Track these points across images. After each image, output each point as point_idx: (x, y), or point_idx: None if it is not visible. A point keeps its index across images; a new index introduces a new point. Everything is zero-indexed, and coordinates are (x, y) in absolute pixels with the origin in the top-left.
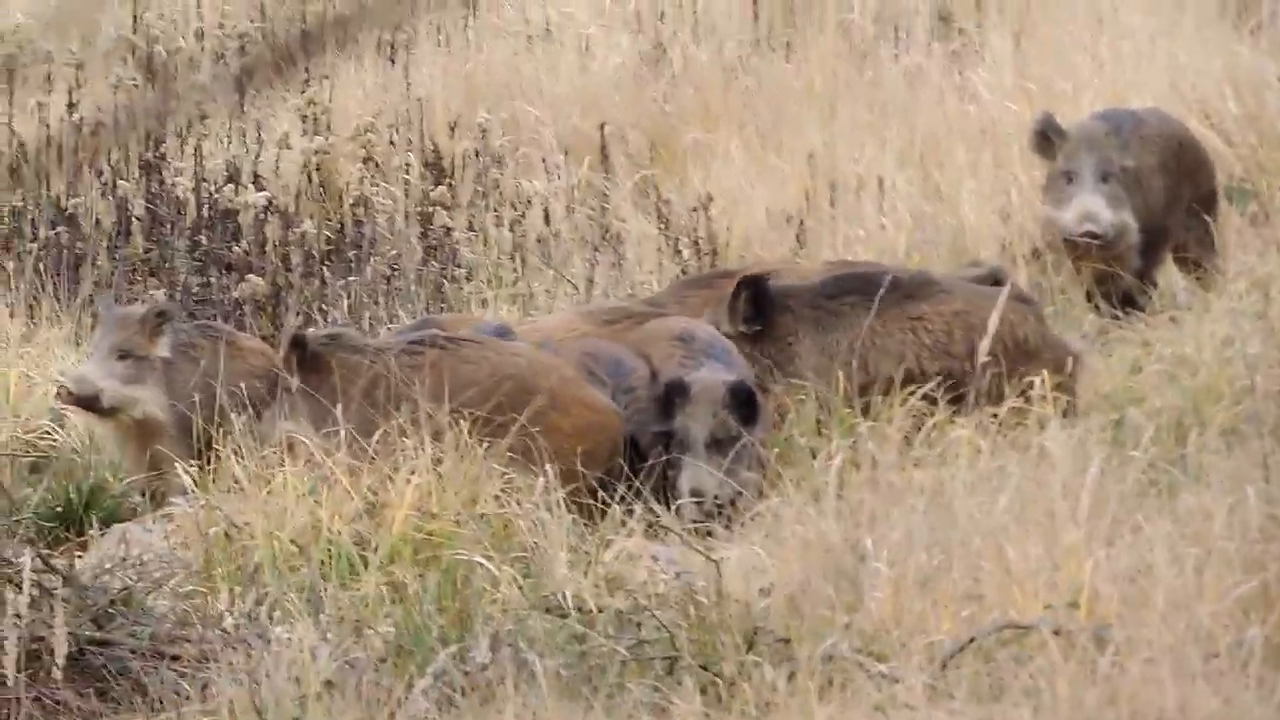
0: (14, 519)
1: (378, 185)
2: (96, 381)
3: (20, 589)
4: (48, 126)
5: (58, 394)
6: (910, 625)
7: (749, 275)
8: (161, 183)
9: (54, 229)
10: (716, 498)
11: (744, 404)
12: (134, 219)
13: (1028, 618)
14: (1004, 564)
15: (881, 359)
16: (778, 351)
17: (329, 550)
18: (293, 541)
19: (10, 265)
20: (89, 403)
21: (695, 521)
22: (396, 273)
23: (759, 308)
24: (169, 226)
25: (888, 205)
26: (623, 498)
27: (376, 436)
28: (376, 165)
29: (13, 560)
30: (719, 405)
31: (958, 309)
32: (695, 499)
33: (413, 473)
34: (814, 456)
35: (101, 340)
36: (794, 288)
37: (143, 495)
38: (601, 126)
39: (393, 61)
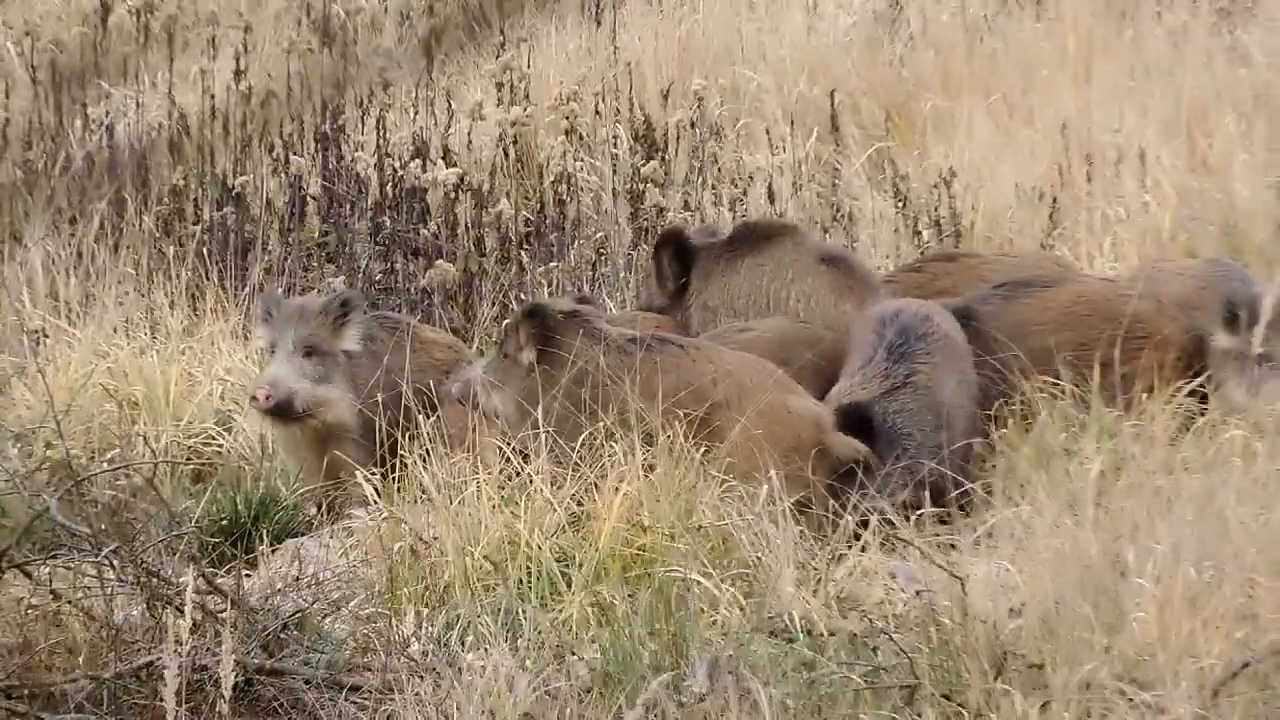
0: (175, 534)
1: (582, 160)
2: (290, 384)
3: (182, 612)
4: (212, 97)
5: (251, 400)
6: (1178, 648)
7: (668, 230)
8: (340, 158)
9: (219, 210)
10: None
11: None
12: (309, 198)
13: None
14: None
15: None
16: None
17: (528, 567)
18: (487, 558)
19: (170, 251)
20: (283, 408)
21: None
22: (603, 258)
23: (684, 265)
24: (348, 207)
25: (1150, 180)
26: (856, 507)
27: (581, 439)
28: (580, 138)
29: (174, 580)
30: None
31: None
32: None
33: (622, 480)
34: (1069, 459)
35: (283, 336)
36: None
37: (319, 507)
38: (831, 94)
39: (598, 23)
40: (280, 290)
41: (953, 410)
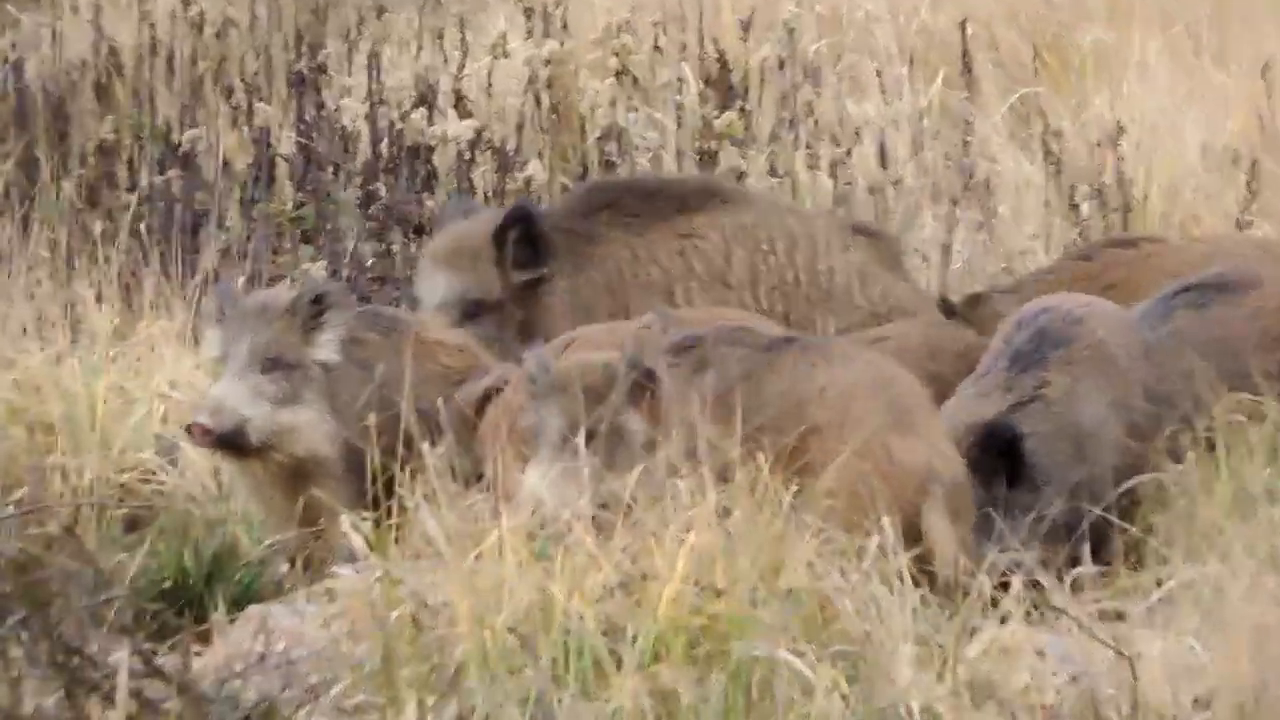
0: (103, 598)
1: (637, 110)
2: (240, 408)
3: (113, 702)
4: (152, 26)
5: (188, 432)
6: None
7: (516, 208)
8: (320, 107)
9: (161, 174)
10: None
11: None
12: (279, 159)
13: None
14: None
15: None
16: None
17: (565, 643)
18: (512, 630)
19: (98, 227)
20: (232, 440)
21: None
22: None
23: (535, 249)
24: (330, 170)
25: None
26: (992, 565)
27: (634, 477)
28: (635, 81)
29: (101, 660)
30: None
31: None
32: None
33: (688, 529)
34: (1273, 505)
35: (236, 344)
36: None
37: (292, 563)
38: (962, 25)
39: None
40: (238, 281)
41: (1099, 438)
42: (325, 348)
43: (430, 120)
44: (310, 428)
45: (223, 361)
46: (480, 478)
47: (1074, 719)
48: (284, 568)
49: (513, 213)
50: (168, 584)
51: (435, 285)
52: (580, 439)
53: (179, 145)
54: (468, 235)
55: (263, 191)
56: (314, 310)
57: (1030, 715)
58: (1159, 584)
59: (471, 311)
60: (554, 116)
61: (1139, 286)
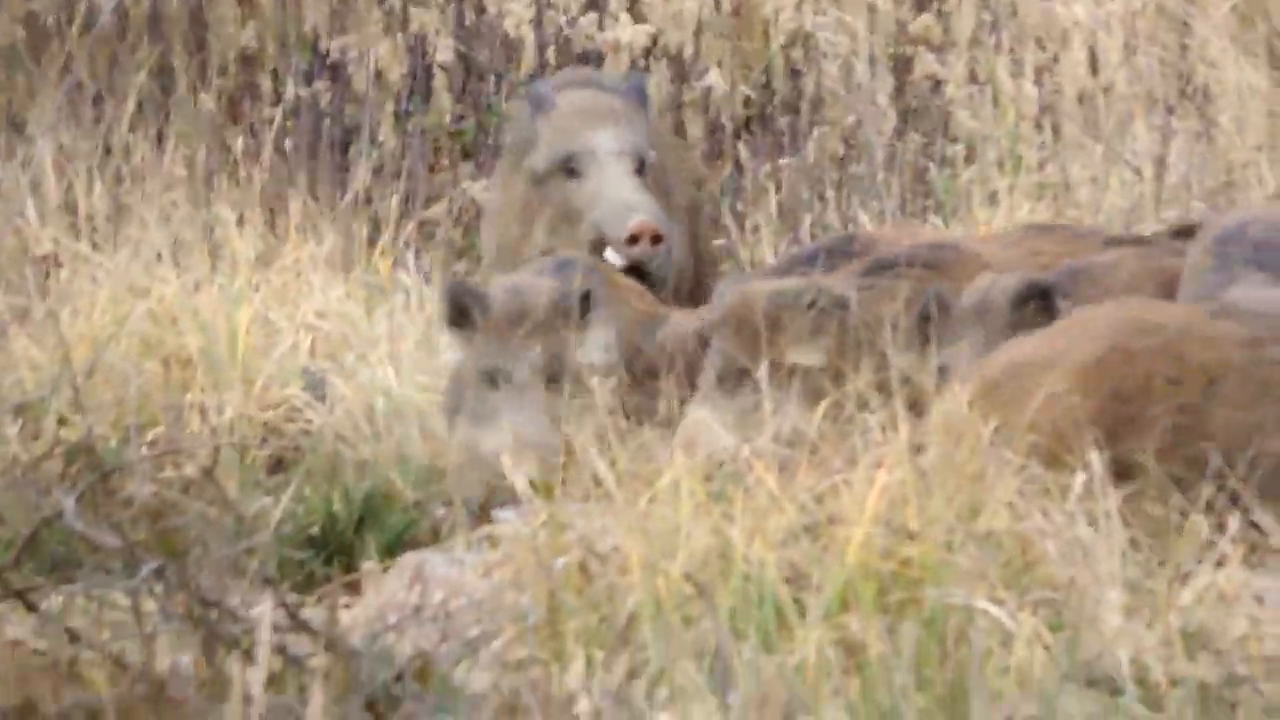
0: (244, 547)
1: (825, 13)
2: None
3: (254, 658)
4: None
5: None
6: None
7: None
8: (481, 11)
9: (308, 85)
10: None
11: None
12: (436, 68)
13: None
14: None
15: None
16: None
17: (745, 591)
18: (688, 577)
19: (239, 144)
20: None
21: None
22: (854, 151)
23: None
24: (492, 81)
25: None
26: (1209, 504)
27: (821, 410)
28: None
29: (242, 613)
30: None
31: None
32: None
33: (878, 467)
34: None
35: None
36: None
37: (449, 507)
38: None
39: None
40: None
41: None
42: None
43: (601, 25)
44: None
45: (490, 381)
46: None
47: None
48: (441, 512)
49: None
50: (315, 531)
51: None
52: (762, 372)
53: (327, 54)
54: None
55: (418, 104)
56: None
57: (1249, 666)
58: None
59: None
60: (736, 20)
61: None
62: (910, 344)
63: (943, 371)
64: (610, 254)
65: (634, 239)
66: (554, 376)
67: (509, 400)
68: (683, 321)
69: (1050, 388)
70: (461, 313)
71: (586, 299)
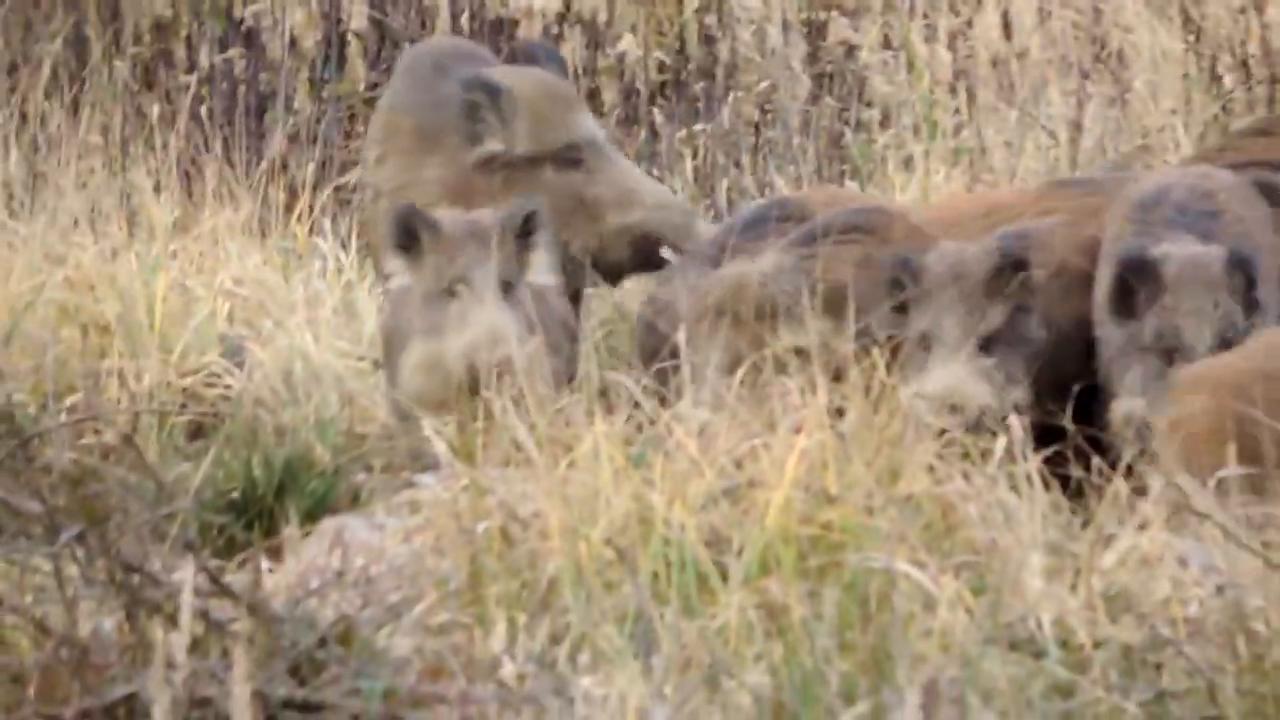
0: (165, 512)
1: None
2: None
3: (176, 623)
4: None
5: None
6: None
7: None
8: None
9: (223, 52)
10: None
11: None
12: (352, 35)
13: None
14: None
15: None
16: None
17: (666, 555)
18: (609, 542)
19: (154, 111)
20: None
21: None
22: (770, 116)
23: None
24: (407, 47)
25: None
26: (1129, 466)
27: (740, 373)
28: None
29: (161, 580)
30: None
31: None
32: None
33: (798, 430)
34: None
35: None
36: None
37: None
38: None
39: None
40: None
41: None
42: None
43: None
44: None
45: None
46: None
47: (1219, 633)
48: (361, 477)
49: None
50: (235, 496)
51: None
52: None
53: (242, 21)
54: None
55: (333, 71)
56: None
57: (1172, 629)
58: None
59: None
60: None
61: None
62: (883, 310)
63: (923, 339)
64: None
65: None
66: (508, 288)
67: (471, 305)
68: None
69: None
70: (409, 236)
71: (531, 219)
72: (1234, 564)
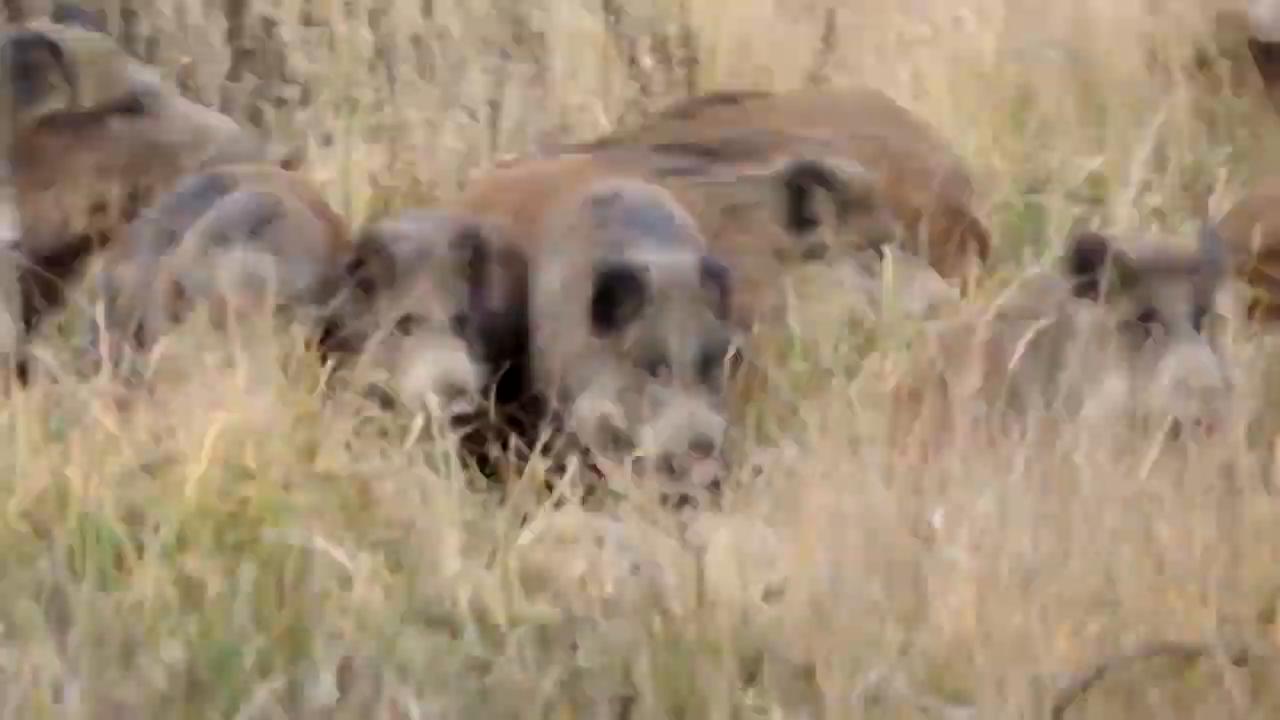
0: None
1: None
2: None
3: None
4: None
5: None
6: (1004, 647)
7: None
8: None
9: None
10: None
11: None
12: None
13: (1191, 637)
14: (1153, 553)
15: None
16: None
17: (82, 531)
18: (25, 515)
19: None
20: None
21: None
22: (190, 93)
23: None
24: None
25: None
26: (547, 446)
27: (157, 349)
28: None
29: None
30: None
31: None
32: (696, 453)
33: (217, 407)
34: (852, 379)
35: None
36: None
37: None
38: None
39: None
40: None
41: None
42: None
43: None
44: None
45: None
46: None
47: (635, 612)
48: None
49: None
50: None
51: None
52: None
53: None
54: None
55: None
56: None
57: (588, 606)
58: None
59: None
60: None
61: None
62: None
63: (405, 321)
64: None
65: None
66: None
67: None
68: None
69: None
70: None
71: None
72: (650, 543)
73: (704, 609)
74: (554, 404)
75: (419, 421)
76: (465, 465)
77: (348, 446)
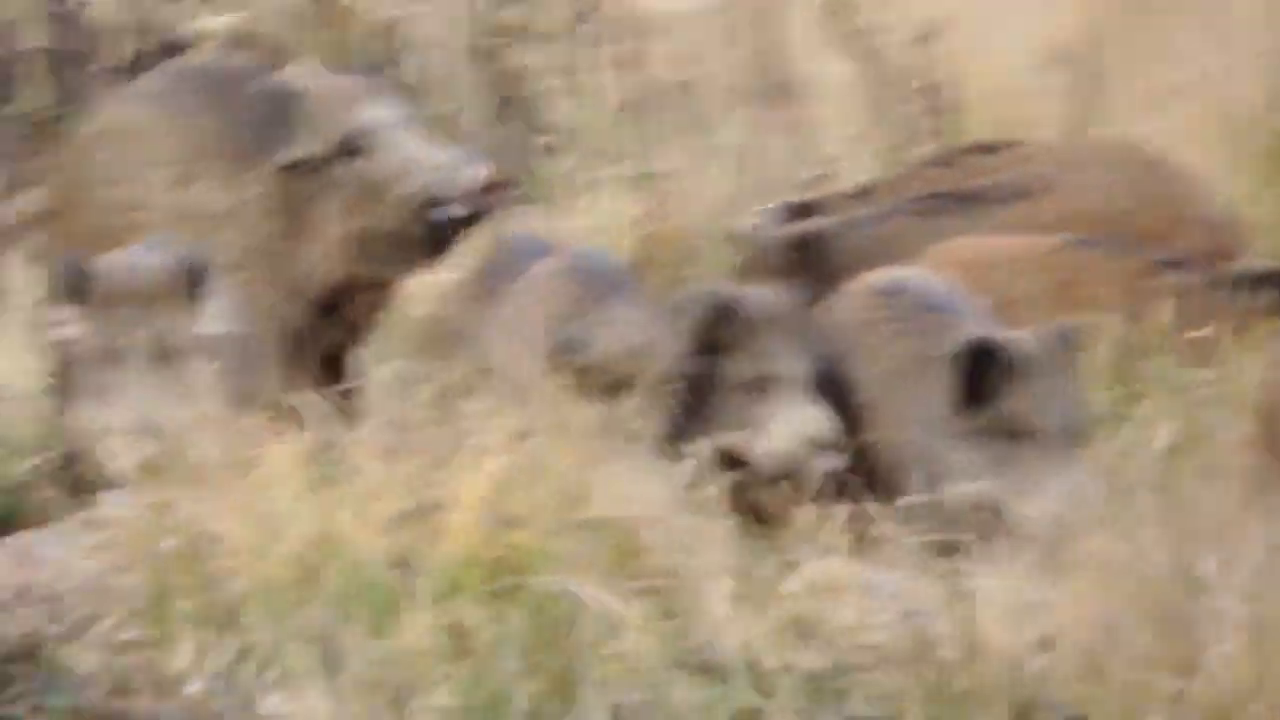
0: None
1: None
2: None
3: None
4: None
5: None
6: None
7: None
8: None
9: None
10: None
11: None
12: (26, 56)
13: None
14: None
15: None
16: None
17: (352, 577)
18: (295, 560)
19: None
20: None
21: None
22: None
23: None
24: (82, 69)
25: (1229, 28)
26: (820, 491)
27: (422, 396)
28: None
29: None
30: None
31: None
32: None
33: (484, 454)
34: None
35: None
36: None
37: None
38: None
39: None
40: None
41: None
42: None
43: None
44: None
45: None
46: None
47: (905, 660)
48: (47, 494)
49: None
50: None
51: None
52: None
53: None
54: None
55: (6, 92)
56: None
57: (857, 655)
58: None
59: None
60: (322, 9)
61: None
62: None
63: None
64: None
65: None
66: (164, 354)
67: (124, 379)
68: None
69: None
70: (77, 289)
71: (197, 272)
72: (920, 591)
73: (975, 657)
74: (912, 478)
75: (688, 467)
76: (733, 511)
77: (618, 492)
